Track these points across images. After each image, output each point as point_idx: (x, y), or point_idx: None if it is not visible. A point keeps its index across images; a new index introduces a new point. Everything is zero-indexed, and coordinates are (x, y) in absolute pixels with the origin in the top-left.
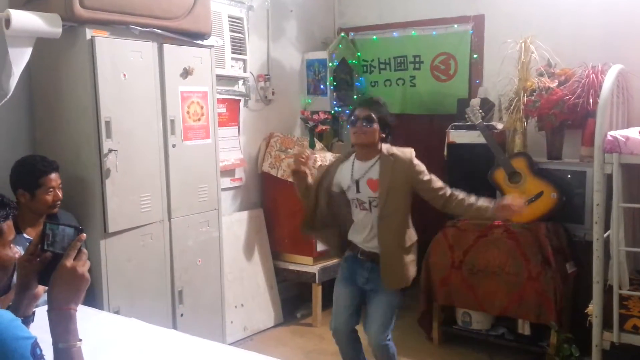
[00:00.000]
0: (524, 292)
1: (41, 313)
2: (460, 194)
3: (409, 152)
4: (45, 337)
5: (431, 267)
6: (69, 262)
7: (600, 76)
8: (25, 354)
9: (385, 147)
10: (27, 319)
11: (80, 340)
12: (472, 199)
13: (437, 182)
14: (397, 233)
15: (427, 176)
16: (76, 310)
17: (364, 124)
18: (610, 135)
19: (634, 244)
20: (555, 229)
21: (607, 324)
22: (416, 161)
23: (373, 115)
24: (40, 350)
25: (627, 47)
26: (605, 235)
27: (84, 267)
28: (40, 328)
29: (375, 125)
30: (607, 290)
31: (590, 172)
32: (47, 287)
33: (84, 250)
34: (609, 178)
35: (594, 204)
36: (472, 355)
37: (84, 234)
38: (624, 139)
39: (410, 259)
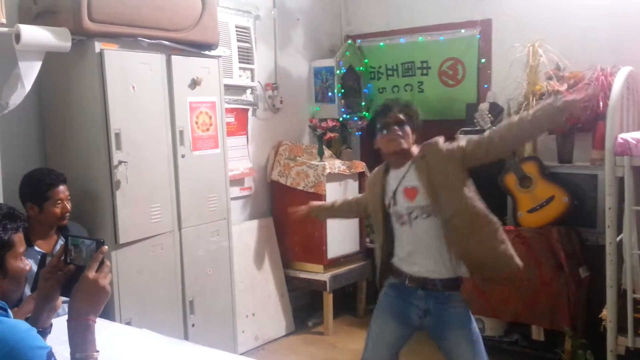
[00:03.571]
0: (537, 298)
1: (57, 325)
2: (508, 120)
3: (434, 142)
4: (59, 349)
5: None
6: (91, 274)
7: (610, 78)
8: None
9: (415, 149)
10: (45, 331)
11: (98, 351)
12: (524, 113)
13: (473, 138)
14: (472, 229)
15: (462, 143)
16: (95, 322)
17: (397, 128)
18: (621, 138)
19: None
20: (567, 234)
21: (621, 329)
22: (445, 145)
23: (403, 117)
24: None
25: (636, 48)
26: (618, 238)
27: (105, 279)
28: (55, 339)
29: (408, 128)
30: (621, 295)
31: (601, 176)
32: (66, 299)
33: (107, 262)
34: (620, 181)
35: (606, 207)
36: None
37: (106, 247)
38: (634, 142)
39: (498, 242)
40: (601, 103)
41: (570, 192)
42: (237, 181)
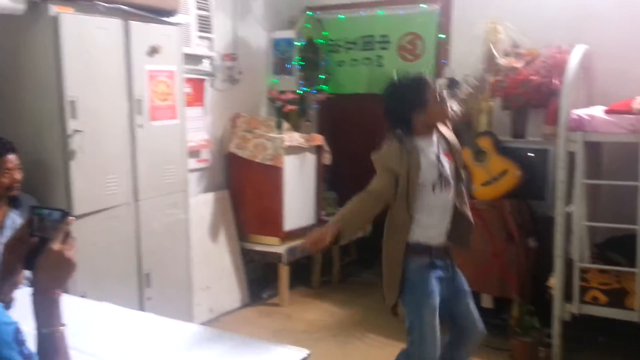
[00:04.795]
0: (489, 268)
1: (20, 300)
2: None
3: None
4: (22, 323)
5: None
6: (56, 246)
7: (565, 56)
8: (7, 339)
9: None
10: (7, 305)
11: (64, 325)
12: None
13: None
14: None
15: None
16: (60, 295)
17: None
18: (575, 114)
19: (593, 219)
20: (518, 206)
21: (566, 296)
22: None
23: None
24: (22, 336)
25: (592, 27)
26: (566, 210)
27: (71, 251)
28: (17, 312)
29: None
30: (567, 264)
31: (552, 151)
32: (29, 272)
33: (72, 234)
34: (571, 155)
35: (558, 180)
36: None
37: (72, 217)
38: (589, 118)
39: None
40: (555, 80)
41: (523, 166)
42: (193, 153)
